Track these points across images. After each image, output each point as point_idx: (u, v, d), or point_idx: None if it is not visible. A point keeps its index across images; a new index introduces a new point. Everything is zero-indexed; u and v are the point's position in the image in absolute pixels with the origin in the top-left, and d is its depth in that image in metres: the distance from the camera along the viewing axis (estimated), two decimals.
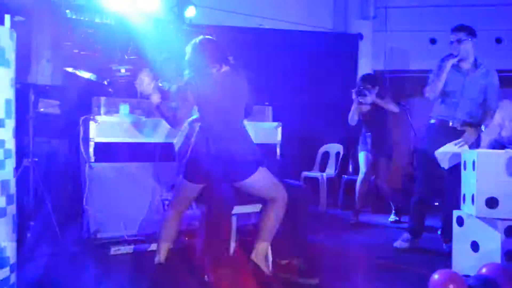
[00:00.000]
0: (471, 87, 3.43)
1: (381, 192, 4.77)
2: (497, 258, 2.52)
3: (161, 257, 2.68)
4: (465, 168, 2.83)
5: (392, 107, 4.52)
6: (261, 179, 2.61)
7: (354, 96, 4.53)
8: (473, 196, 2.67)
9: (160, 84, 3.59)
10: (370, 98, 4.48)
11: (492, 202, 2.60)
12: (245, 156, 2.58)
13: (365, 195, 4.79)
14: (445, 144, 3.38)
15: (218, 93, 2.62)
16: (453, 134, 3.41)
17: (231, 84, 2.65)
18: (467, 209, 2.78)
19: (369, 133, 4.64)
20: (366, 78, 4.71)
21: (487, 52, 6.77)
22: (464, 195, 2.83)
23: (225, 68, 2.68)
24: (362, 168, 4.71)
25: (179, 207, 2.78)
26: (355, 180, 4.85)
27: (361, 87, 4.54)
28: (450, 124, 3.45)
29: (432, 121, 3.59)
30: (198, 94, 2.63)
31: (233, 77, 2.68)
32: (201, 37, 2.76)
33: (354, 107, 4.58)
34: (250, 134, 2.73)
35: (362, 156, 4.72)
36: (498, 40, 7.14)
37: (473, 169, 2.66)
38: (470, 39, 3.40)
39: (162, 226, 2.77)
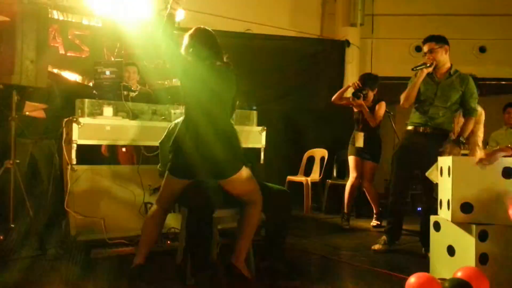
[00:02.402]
0: (444, 96, 3.49)
1: (367, 195, 4.82)
2: (472, 262, 2.57)
3: (140, 258, 2.66)
4: (441, 174, 2.89)
5: (370, 119, 4.58)
6: (246, 179, 2.63)
7: (350, 84, 4.75)
8: (448, 201, 2.72)
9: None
10: (361, 101, 4.56)
11: (466, 207, 2.66)
12: (231, 153, 2.59)
13: (354, 199, 4.85)
14: (415, 150, 3.48)
15: (205, 87, 2.61)
16: (424, 141, 3.49)
17: (221, 79, 2.64)
18: (443, 214, 2.83)
19: (361, 132, 4.68)
20: (368, 79, 4.73)
21: (471, 61, 6.94)
22: (440, 200, 2.89)
23: (219, 63, 2.68)
24: (352, 172, 4.74)
25: (163, 203, 2.79)
26: (340, 185, 4.89)
27: (360, 87, 4.59)
28: (421, 130, 3.53)
29: (408, 127, 3.67)
30: (185, 85, 2.65)
31: (224, 73, 2.67)
32: (202, 27, 2.75)
33: (343, 89, 4.90)
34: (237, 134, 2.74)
35: (351, 160, 4.75)
36: (482, 49, 7.28)
37: (449, 175, 2.72)
38: (440, 46, 3.47)
39: (145, 224, 2.77)
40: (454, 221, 2.68)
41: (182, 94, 2.74)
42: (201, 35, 2.70)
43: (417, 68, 3.50)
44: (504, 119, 5.17)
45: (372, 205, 4.83)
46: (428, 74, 3.52)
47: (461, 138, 3.45)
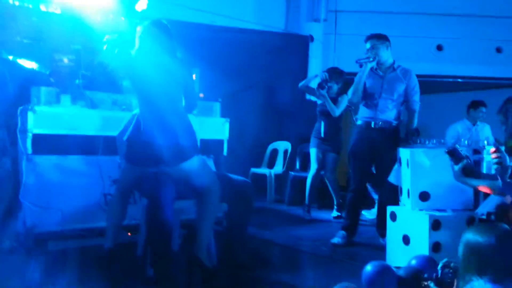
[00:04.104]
0: (390, 88, 3.62)
1: (328, 186, 4.91)
2: (425, 250, 2.68)
3: (109, 241, 2.70)
4: (400, 164, 3.01)
5: (331, 110, 4.66)
6: (197, 167, 2.63)
7: (319, 74, 4.81)
8: (408, 190, 2.85)
9: None
10: (325, 93, 4.64)
11: (424, 196, 2.79)
12: (182, 141, 2.59)
13: (315, 191, 4.92)
14: (369, 144, 3.57)
15: (157, 76, 2.62)
16: (376, 135, 3.59)
17: (170, 69, 2.65)
18: (404, 202, 2.96)
19: (322, 123, 4.75)
20: (334, 72, 4.80)
21: (429, 59, 7.18)
22: (401, 188, 3.02)
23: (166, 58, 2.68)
24: (314, 164, 4.80)
25: (123, 191, 2.82)
26: (302, 177, 4.94)
27: (326, 79, 4.66)
28: (372, 125, 3.62)
29: (358, 122, 3.76)
30: (138, 75, 2.65)
31: (172, 62, 2.68)
32: (158, 19, 2.73)
33: (312, 76, 4.94)
34: (192, 125, 2.74)
35: (313, 152, 4.82)
36: (439, 47, 7.54)
37: (407, 166, 2.83)
38: (381, 43, 3.61)
39: (109, 209, 2.84)
40: (414, 208, 2.80)
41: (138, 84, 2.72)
42: (152, 33, 2.67)
43: (360, 60, 3.61)
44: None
45: (333, 196, 4.93)
46: (373, 70, 3.63)
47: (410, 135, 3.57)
